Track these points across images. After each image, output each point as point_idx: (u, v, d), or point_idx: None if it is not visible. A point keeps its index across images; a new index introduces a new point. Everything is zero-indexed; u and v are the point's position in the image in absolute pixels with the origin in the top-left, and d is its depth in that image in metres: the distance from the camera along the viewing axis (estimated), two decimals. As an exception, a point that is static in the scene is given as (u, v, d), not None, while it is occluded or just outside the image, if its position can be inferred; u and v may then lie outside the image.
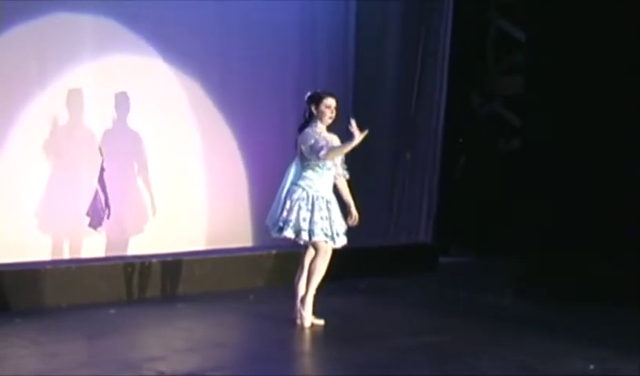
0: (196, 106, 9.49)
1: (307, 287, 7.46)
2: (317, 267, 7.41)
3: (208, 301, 8.63)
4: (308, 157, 7.38)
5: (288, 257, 8.91)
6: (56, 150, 8.62)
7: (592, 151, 9.23)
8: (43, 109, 8.56)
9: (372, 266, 9.96)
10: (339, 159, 7.55)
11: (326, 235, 7.38)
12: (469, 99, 12.67)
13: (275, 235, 7.47)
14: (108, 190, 8.71)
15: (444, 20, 11.09)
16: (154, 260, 8.85)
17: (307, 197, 7.37)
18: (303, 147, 7.41)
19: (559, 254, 9.25)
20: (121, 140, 8.97)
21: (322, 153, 7.29)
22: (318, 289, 7.50)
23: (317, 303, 7.51)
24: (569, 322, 8.00)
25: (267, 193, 8.18)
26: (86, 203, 8.68)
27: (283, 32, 9.97)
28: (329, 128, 7.52)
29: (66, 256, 8.67)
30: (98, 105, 8.82)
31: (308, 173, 7.42)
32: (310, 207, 7.35)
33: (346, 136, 7.30)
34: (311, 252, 7.50)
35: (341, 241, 7.53)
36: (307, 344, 7.26)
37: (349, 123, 7.19)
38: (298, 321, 7.48)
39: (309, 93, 7.57)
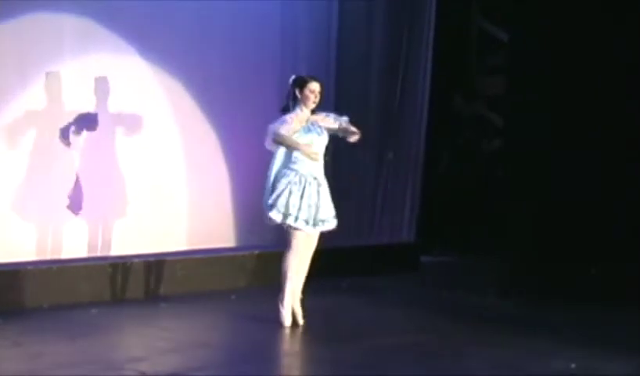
0: (178, 105, 9.46)
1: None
2: (283, 263, 7.41)
3: (190, 301, 8.61)
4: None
5: (270, 257, 8.89)
6: (37, 150, 8.57)
7: (574, 151, 9.28)
8: (23, 109, 8.51)
9: (354, 266, 9.94)
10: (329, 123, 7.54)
11: (307, 223, 7.36)
12: (452, 99, 12.69)
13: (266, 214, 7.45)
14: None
15: (426, 21, 11.10)
16: (136, 260, 8.81)
17: (299, 181, 7.36)
18: None
19: (542, 253, 9.30)
20: (102, 140, 8.93)
21: (266, 141, 7.39)
22: (303, 291, 7.52)
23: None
24: (553, 321, 8.02)
25: (250, 193, 8.17)
26: (66, 202, 8.66)
27: (264, 31, 9.95)
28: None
29: (47, 256, 8.63)
30: (78, 104, 8.78)
31: (299, 155, 7.39)
32: (301, 192, 7.35)
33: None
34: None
35: (328, 226, 7.51)
36: (289, 344, 7.26)
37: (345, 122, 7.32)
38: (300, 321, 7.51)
39: (293, 76, 7.60)
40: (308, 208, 7.35)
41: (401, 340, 7.22)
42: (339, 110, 7.91)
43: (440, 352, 6.85)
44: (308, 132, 7.44)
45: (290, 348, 7.21)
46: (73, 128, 8.78)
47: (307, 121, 7.46)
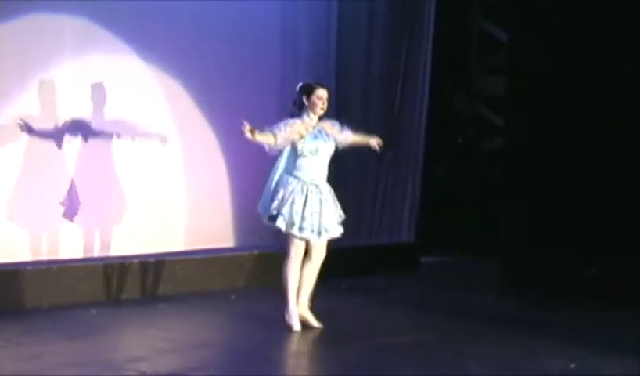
0: (177, 105, 9.45)
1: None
2: (283, 271, 7.39)
3: (190, 301, 8.62)
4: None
5: (269, 257, 8.90)
6: (35, 150, 8.57)
7: (575, 151, 9.27)
8: (22, 109, 8.51)
9: (354, 266, 9.94)
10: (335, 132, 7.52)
11: (312, 231, 7.33)
12: (453, 99, 12.69)
13: (266, 222, 7.43)
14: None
15: (426, 21, 11.10)
16: (135, 260, 8.82)
17: (302, 189, 7.32)
18: None
19: (542, 253, 9.28)
20: (101, 140, 8.93)
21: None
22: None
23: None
24: (552, 321, 8.03)
25: (248, 193, 8.15)
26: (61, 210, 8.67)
27: (264, 32, 9.95)
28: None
29: (45, 256, 8.63)
30: (78, 105, 8.78)
31: (303, 161, 7.37)
32: (303, 200, 7.32)
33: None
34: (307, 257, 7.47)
35: (333, 234, 7.47)
36: (289, 344, 7.24)
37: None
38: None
39: (301, 83, 7.55)
40: (311, 216, 7.31)
41: (401, 340, 7.22)
42: (339, 110, 7.91)
43: (440, 352, 6.85)
44: (315, 139, 7.40)
45: (290, 348, 7.20)
46: (72, 129, 8.78)
47: (315, 127, 7.44)
